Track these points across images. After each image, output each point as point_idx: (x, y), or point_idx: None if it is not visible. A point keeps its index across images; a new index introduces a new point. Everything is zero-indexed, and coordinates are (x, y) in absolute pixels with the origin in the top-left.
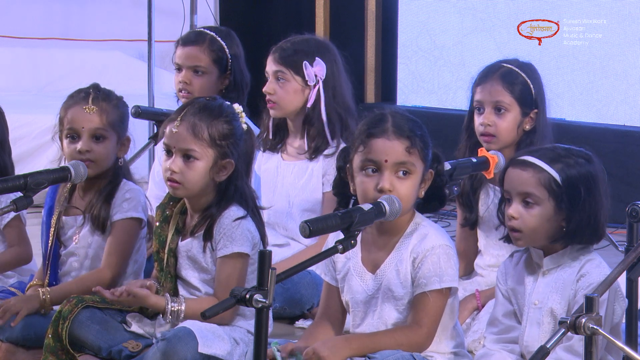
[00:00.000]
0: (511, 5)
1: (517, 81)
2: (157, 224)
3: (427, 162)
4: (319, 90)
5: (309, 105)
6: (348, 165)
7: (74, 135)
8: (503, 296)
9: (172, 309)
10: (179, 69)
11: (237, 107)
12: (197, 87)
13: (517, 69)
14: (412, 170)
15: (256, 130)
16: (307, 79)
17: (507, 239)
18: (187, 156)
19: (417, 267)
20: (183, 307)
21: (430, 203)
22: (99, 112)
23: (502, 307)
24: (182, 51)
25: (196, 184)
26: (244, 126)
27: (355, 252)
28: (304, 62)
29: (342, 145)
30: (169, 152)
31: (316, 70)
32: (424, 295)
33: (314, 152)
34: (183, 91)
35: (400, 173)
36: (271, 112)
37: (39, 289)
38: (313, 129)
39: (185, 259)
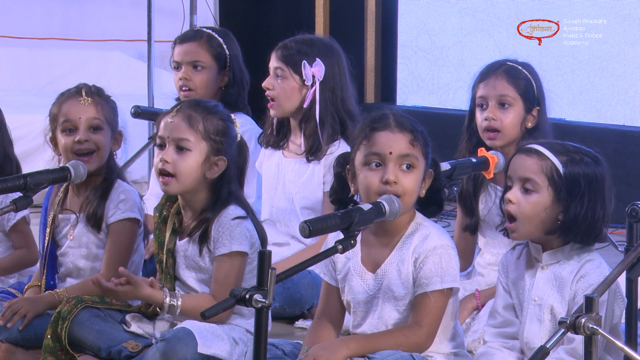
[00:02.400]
0: (511, 5)
1: (520, 77)
2: (155, 225)
3: (428, 159)
4: (315, 90)
5: (305, 105)
6: (348, 166)
7: (70, 129)
8: (503, 289)
9: (171, 303)
10: (178, 67)
11: (234, 117)
12: (197, 83)
13: (519, 66)
14: (415, 164)
15: (258, 131)
16: (304, 78)
17: (505, 231)
18: (180, 147)
19: (419, 267)
20: (179, 303)
21: (428, 207)
22: (94, 104)
23: (502, 300)
24: (181, 48)
25: (188, 176)
26: (238, 136)
27: (355, 252)
28: (303, 61)
29: (341, 146)
30: (161, 146)
31: (314, 70)
32: (425, 296)
33: (310, 152)
34: (184, 88)
35: (404, 166)
36: (271, 111)
37: (56, 291)
38: (308, 129)
39: (183, 259)
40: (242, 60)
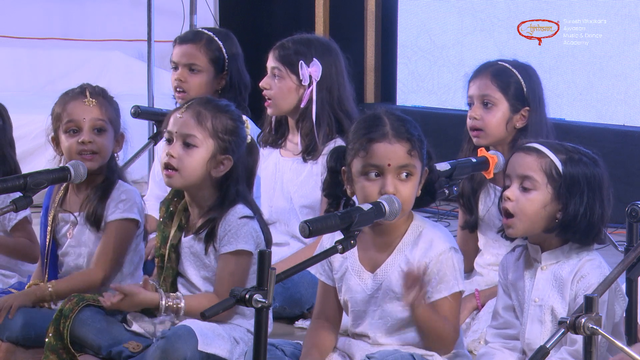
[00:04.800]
0: (511, 5)
1: (507, 77)
2: (161, 219)
3: (424, 160)
4: (312, 90)
5: (302, 105)
6: (344, 168)
7: (74, 129)
8: (503, 290)
9: (167, 304)
10: (176, 67)
11: (245, 119)
12: (192, 86)
13: (510, 67)
14: (413, 172)
15: (257, 131)
16: (301, 78)
17: (504, 231)
18: (187, 143)
19: (431, 274)
20: (183, 304)
21: (422, 199)
22: (98, 105)
23: (502, 301)
24: (179, 49)
25: (192, 172)
26: (249, 138)
27: (352, 252)
28: (300, 61)
29: (338, 145)
30: (169, 140)
31: (311, 70)
32: (445, 300)
33: (306, 152)
34: (178, 89)
35: (403, 175)
36: (268, 110)
37: (45, 284)
38: (305, 128)
39: (188, 256)
40: (242, 63)
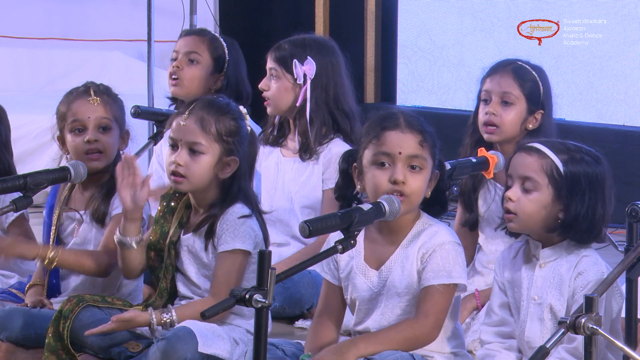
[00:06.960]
0: (511, 5)
1: (527, 78)
2: (161, 214)
3: (435, 160)
4: (307, 89)
5: (298, 103)
6: (355, 164)
7: (79, 128)
8: (499, 288)
9: (161, 320)
10: (176, 58)
11: (242, 109)
12: (187, 75)
13: (529, 67)
14: (424, 165)
15: (258, 129)
16: (295, 77)
17: (505, 228)
18: (193, 150)
19: (425, 262)
20: (175, 317)
21: (433, 207)
22: (103, 104)
23: (498, 299)
24: (182, 40)
25: (200, 178)
26: (248, 128)
27: (359, 250)
28: (294, 60)
29: (336, 143)
30: (174, 146)
31: (305, 69)
32: (432, 288)
33: (302, 150)
34: (173, 76)
35: (413, 167)
36: (267, 109)
37: (54, 248)
38: (301, 127)
39: (187, 253)
40: (244, 72)
